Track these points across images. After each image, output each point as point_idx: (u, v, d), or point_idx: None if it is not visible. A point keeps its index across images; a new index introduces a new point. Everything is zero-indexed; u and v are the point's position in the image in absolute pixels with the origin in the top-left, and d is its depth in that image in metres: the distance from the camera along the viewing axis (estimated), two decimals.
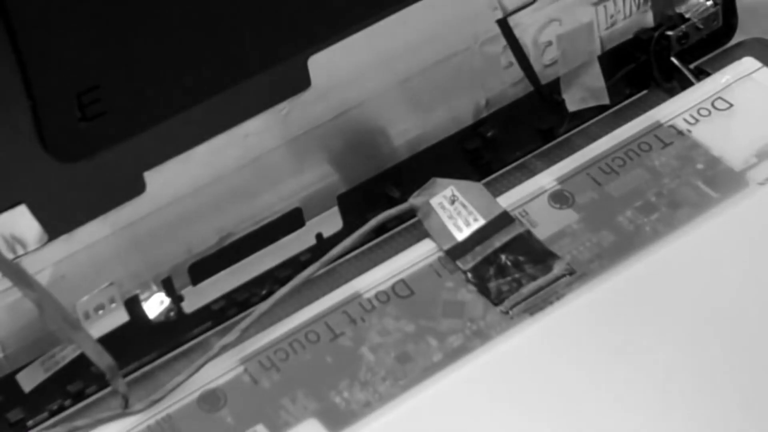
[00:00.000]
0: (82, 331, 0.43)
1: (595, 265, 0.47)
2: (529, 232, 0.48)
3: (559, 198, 0.50)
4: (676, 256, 0.47)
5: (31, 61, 0.40)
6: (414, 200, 0.49)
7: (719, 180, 0.49)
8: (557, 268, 0.47)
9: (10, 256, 0.44)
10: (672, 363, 0.44)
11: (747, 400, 0.44)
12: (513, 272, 0.47)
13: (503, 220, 0.48)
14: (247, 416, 0.44)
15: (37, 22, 0.39)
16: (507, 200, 0.49)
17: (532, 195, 0.50)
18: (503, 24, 0.52)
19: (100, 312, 0.46)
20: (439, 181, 0.49)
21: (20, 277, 0.42)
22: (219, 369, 0.45)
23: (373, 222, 0.48)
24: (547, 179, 0.50)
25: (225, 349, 0.44)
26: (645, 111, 0.52)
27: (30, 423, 0.46)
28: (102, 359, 0.43)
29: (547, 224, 0.48)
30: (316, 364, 0.45)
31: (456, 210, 0.48)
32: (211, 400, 0.45)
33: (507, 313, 0.46)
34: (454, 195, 0.48)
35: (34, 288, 0.41)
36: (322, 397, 0.44)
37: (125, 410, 0.44)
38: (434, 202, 0.48)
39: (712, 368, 0.44)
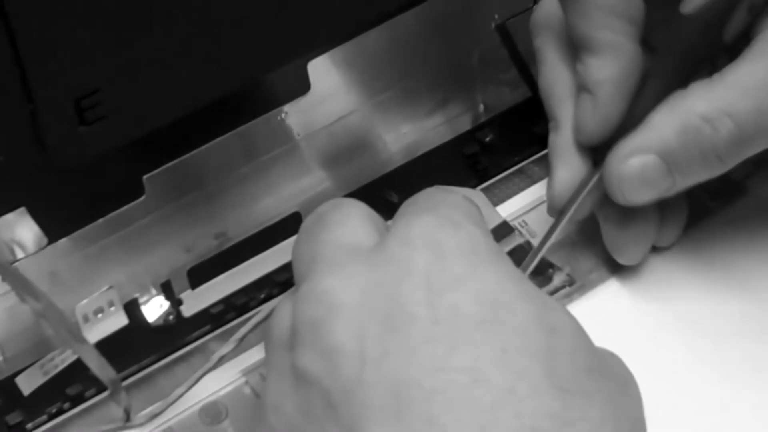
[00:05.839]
0: (86, 343, 0.43)
1: (594, 275, 0.48)
2: (528, 243, 0.48)
3: None
4: (675, 265, 0.48)
5: (30, 65, 0.40)
6: None
7: (718, 189, 0.49)
8: (557, 279, 0.47)
9: (9, 259, 0.44)
10: (672, 371, 0.45)
11: (757, 403, 0.44)
12: None
13: (503, 230, 0.48)
14: (248, 429, 0.44)
15: (37, 26, 0.39)
16: (506, 210, 0.49)
17: (531, 205, 0.50)
18: (501, 29, 0.52)
19: (100, 315, 0.46)
20: None
21: (24, 287, 0.42)
22: (220, 381, 0.46)
23: None
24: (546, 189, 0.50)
25: (223, 359, 0.44)
26: None
27: (29, 426, 0.46)
28: (105, 373, 0.43)
29: None
30: None
31: None
32: (212, 412, 0.45)
33: None
34: None
35: (39, 298, 0.42)
36: None
37: (126, 423, 0.45)
38: None
39: (713, 375, 0.44)
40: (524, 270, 0.45)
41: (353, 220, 0.39)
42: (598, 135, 0.44)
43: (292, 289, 0.39)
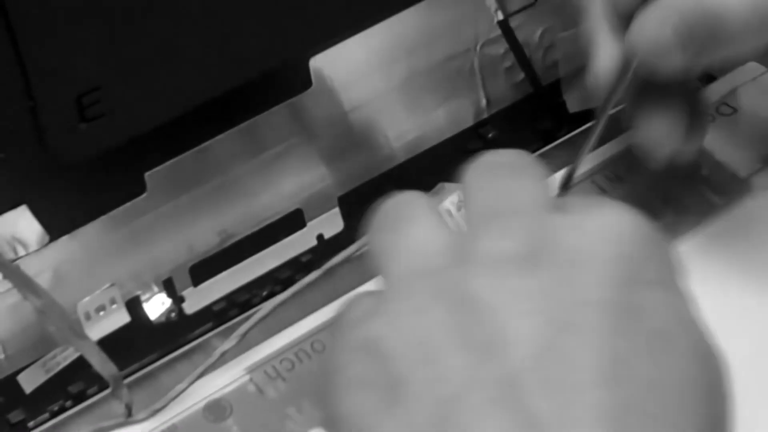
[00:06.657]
0: (87, 339, 0.43)
1: None
2: None
3: None
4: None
5: (31, 63, 0.40)
6: None
7: (724, 186, 0.49)
8: None
9: (11, 256, 0.44)
10: None
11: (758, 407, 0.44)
12: None
13: None
14: (252, 426, 0.44)
15: (37, 23, 0.39)
16: None
17: None
18: (504, 25, 0.52)
19: (101, 313, 0.46)
20: (447, 186, 0.48)
21: (26, 285, 0.42)
22: (224, 379, 0.45)
23: None
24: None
25: (225, 355, 0.44)
26: None
27: (31, 424, 0.46)
28: (106, 368, 0.43)
29: None
30: (322, 374, 0.45)
31: (462, 216, 0.48)
32: (216, 410, 0.45)
33: None
34: (461, 200, 0.48)
35: (40, 295, 0.41)
36: None
37: (128, 419, 0.44)
38: (442, 208, 0.48)
39: None
40: (578, 160, 0.46)
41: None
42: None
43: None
